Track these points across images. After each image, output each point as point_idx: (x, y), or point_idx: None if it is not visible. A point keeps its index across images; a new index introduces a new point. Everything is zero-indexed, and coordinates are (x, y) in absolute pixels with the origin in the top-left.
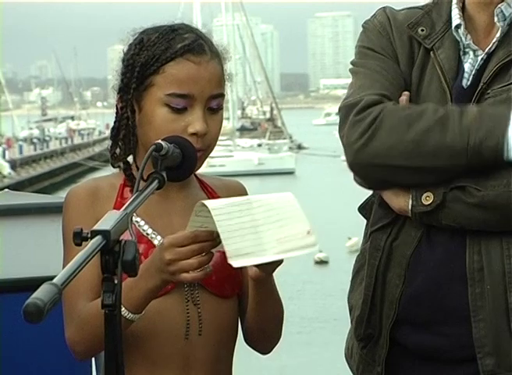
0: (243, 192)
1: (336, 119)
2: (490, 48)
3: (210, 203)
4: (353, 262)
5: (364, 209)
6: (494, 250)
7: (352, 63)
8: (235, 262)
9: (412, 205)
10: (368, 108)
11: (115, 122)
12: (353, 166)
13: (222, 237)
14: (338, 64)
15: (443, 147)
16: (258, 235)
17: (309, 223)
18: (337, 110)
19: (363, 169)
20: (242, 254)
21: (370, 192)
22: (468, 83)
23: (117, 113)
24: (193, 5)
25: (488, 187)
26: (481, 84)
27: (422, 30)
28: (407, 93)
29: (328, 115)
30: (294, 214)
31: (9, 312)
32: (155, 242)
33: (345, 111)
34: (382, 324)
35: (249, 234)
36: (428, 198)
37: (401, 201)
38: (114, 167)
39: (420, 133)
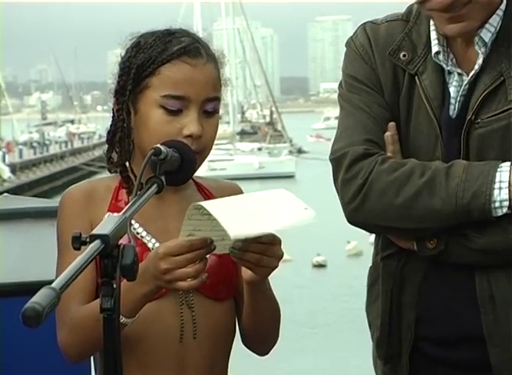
0: (239, 193)
1: (335, 123)
2: (472, 75)
3: (203, 202)
4: (353, 266)
5: None
6: (502, 278)
7: (339, 93)
8: (234, 235)
9: (418, 250)
10: (355, 162)
11: (111, 125)
12: (352, 223)
13: (218, 219)
14: (338, 68)
15: (432, 211)
16: (255, 217)
17: (302, 202)
18: (337, 114)
19: (361, 226)
20: (241, 230)
21: None
22: (456, 112)
23: (113, 116)
24: (194, 9)
25: (487, 234)
26: (470, 114)
27: (404, 56)
28: (392, 125)
29: (327, 119)
30: (289, 199)
31: (8, 316)
32: (149, 245)
33: (334, 165)
34: (401, 346)
35: (246, 216)
36: (432, 243)
37: (406, 243)
38: (111, 172)
39: (408, 197)
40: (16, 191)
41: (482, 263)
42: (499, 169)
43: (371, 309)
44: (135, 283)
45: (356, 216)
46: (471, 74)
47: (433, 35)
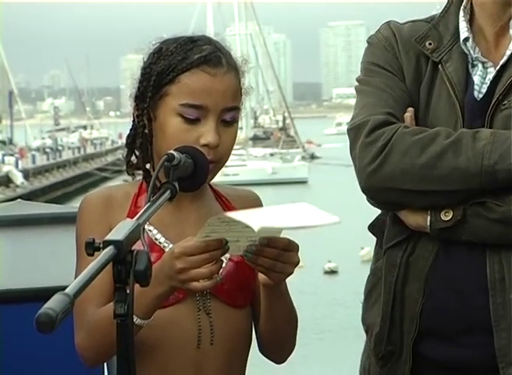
0: (257, 202)
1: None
2: (504, 60)
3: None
4: (366, 272)
5: (374, 228)
6: None
7: (357, 80)
8: (255, 226)
9: (431, 222)
10: (376, 129)
11: (131, 129)
12: (366, 189)
13: (239, 219)
14: (351, 73)
15: (456, 170)
16: (278, 215)
17: (318, 210)
18: (349, 120)
19: (376, 192)
20: (265, 222)
21: None
22: (481, 95)
23: (133, 121)
24: (206, 15)
25: (508, 202)
26: (497, 95)
27: (430, 44)
28: (411, 109)
29: (339, 124)
30: (313, 209)
31: (22, 322)
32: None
33: (354, 133)
34: (403, 340)
35: (269, 215)
36: (447, 214)
37: (418, 218)
38: (129, 174)
39: (433, 157)
40: (29, 196)
41: (498, 239)
42: None
43: (369, 314)
44: (150, 285)
45: (373, 179)
46: (501, 60)
47: (462, 24)
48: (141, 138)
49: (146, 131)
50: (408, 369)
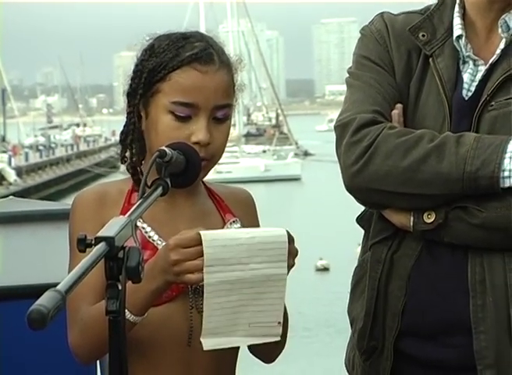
0: (249, 200)
1: None
2: (494, 59)
3: (208, 273)
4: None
5: (362, 220)
6: (496, 262)
7: (348, 72)
8: (206, 341)
9: (414, 223)
10: (362, 128)
11: (124, 126)
12: (350, 188)
13: (204, 314)
14: (343, 70)
15: (439, 175)
16: (236, 316)
17: (282, 314)
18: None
19: (360, 192)
20: (214, 333)
21: None
22: (469, 94)
23: (126, 118)
24: (199, 12)
25: (490, 209)
26: (485, 96)
27: (423, 36)
28: (399, 106)
29: (331, 121)
30: (278, 301)
31: (14, 319)
32: None
33: (339, 131)
34: (385, 336)
35: (228, 314)
36: (429, 216)
37: (402, 218)
38: (129, 171)
39: (416, 160)
40: (23, 193)
41: (480, 243)
42: (511, 142)
43: (354, 307)
44: (143, 281)
45: (357, 179)
46: (492, 58)
47: (457, 21)
48: (132, 135)
49: (136, 128)
50: (389, 366)
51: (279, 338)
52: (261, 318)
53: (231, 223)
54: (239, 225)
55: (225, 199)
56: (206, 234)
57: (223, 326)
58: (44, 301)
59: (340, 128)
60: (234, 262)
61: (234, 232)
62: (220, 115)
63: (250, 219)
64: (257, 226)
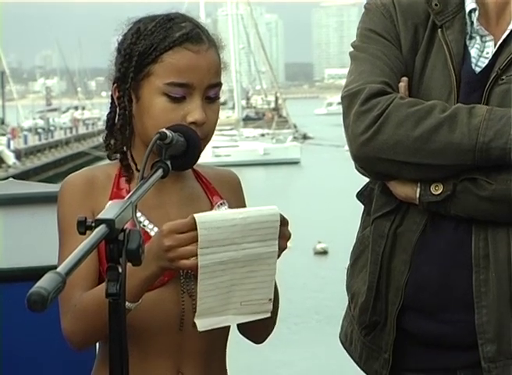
0: (236, 181)
1: (338, 108)
2: (506, 35)
3: (202, 255)
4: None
5: (362, 196)
6: (500, 237)
7: (353, 46)
8: (200, 322)
9: (420, 194)
10: (372, 98)
11: (109, 112)
12: (358, 158)
13: (198, 296)
14: (343, 54)
15: (451, 145)
16: (228, 295)
17: (272, 291)
18: (339, 99)
19: (367, 162)
20: (208, 313)
21: None
22: (477, 69)
23: (112, 103)
24: None
25: (499, 181)
26: (497, 70)
27: (436, 5)
28: (405, 79)
29: (329, 104)
30: (269, 278)
31: (14, 301)
32: (152, 234)
33: (348, 100)
34: (387, 311)
35: (222, 294)
36: (437, 188)
37: (407, 190)
38: (110, 159)
39: (428, 130)
40: (21, 176)
41: (486, 216)
42: None
43: (355, 282)
44: (138, 267)
45: (366, 148)
46: (504, 34)
47: None
48: (123, 120)
49: (127, 113)
50: (392, 341)
51: (269, 315)
52: (252, 296)
53: (219, 206)
54: (226, 207)
55: (212, 181)
56: (200, 216)
57: (216, 306)
58: (44, 283)
59: (349, 98)
60: (228, 243)
61: (228, 213)
62: (212, 94)
63: (237, 200)
64: (244, 207)
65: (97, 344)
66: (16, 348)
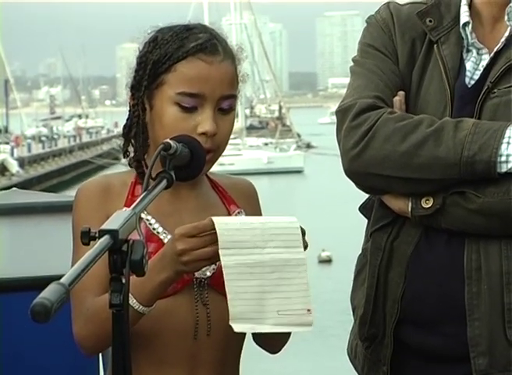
0: (252, 190)
1: None
2: (498, 47)
3: (225, 256)
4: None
5: (364, 209)
6: (492, 250)
7: (353, 60)
8: (236, 326)
9: (412, 208)
10: (362, 113)
11: (127, 119)
12: (349, 173)
13: (228, 297)
14: (346, 63)
15: (436, 160)
16: (262, 302)
17: (311, 301)
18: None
19: (358, 176)
20: (244, 318)
21: None
22: (472, 82)
23: (130, 111)
24: (203, 5)
25: (487, 194)
26: (488, 83)
27: (430, 21)
28: (401, 93)
29: (333, 114)
30: (303, 287)
31: (17, 311)
32: (166, 241)
33: (340, 116)
34: (385, 323)
35: (254, 300)
36: (427, 202)
37: (400, 204)
38: (131, 166)
39: (414, 144)
40: (25, 185)
41: (476, 229)
42: (509, 127)
43: (356, 295)
44: (153, 271)
45: (356, 163)
46: (496, 47)
47: (464, 8)
48: (136, 128)
49: (140, 121)
50: (390, 353)
51: (310, 328)
52: (289, 305)
53: (236, 214)
54: (243, 215)
55: (228, 190)
56: (218, 218)
57: (251, 312)
58: (48, 294)
59: (341, 113)
60: (250, 246)
61: (245, 218)
62: (225, 105)
63: (253, 209)
64: (260, 216)
65: (100, 354)
66: (20, 357)
